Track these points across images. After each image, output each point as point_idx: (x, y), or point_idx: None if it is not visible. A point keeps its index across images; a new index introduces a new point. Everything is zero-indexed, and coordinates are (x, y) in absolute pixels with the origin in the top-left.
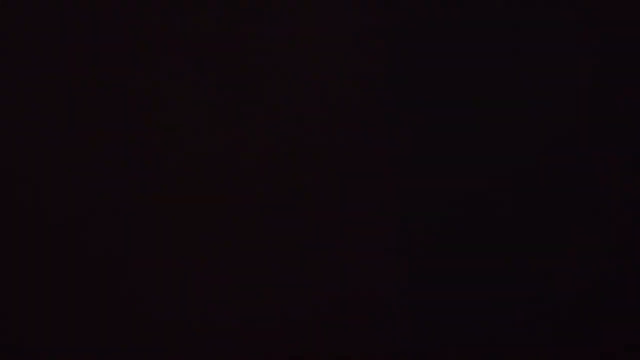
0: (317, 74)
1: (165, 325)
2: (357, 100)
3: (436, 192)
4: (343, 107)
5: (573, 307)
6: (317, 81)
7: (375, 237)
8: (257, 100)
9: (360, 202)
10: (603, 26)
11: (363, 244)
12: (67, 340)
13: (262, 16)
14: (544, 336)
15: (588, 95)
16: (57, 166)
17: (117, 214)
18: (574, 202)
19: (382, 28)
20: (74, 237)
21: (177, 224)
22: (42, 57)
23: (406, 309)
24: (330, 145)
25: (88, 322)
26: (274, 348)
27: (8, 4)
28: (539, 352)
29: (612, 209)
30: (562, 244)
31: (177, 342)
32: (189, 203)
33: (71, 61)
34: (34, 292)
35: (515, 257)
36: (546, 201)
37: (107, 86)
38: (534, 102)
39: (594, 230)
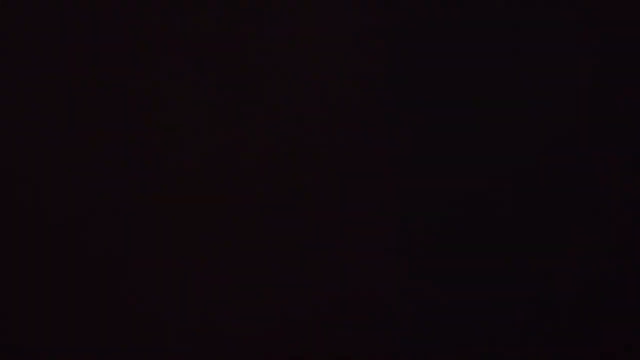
0: (317, 74)
1: (165, 325)
2: (357, 100)
3: (436, 192)
4: (343, 107)
5: (573, 307)
6: (317, 81)
7: (375, 237)
8: (257, 100)
9: (360, 202)
10: (603, 26)
11: (363, 244)
12: (67, 340)
13: (262, 16)
14: (544, 336)
15: (588, 95)
16: (57, 166)
17: (117, 214)
18: (574, 202)
19: (382, 28)
20: (74, 237)
21: (177, 224)
22: (42, 57)
23: (406, 309)
24: (330, 145)
25: (88, 322)
26: (274, 348)
27: (8, 4)
28: (539, 352)
29: (612, 209)
30: (562, 244)
31: (177, 342)
32: (189, 203)
33: (71, 61)
34: (34, 292)
35: (515, 257)
36: (546, 201)
37: (107, 86)
38: (534, 102)
39: (594, 230)
